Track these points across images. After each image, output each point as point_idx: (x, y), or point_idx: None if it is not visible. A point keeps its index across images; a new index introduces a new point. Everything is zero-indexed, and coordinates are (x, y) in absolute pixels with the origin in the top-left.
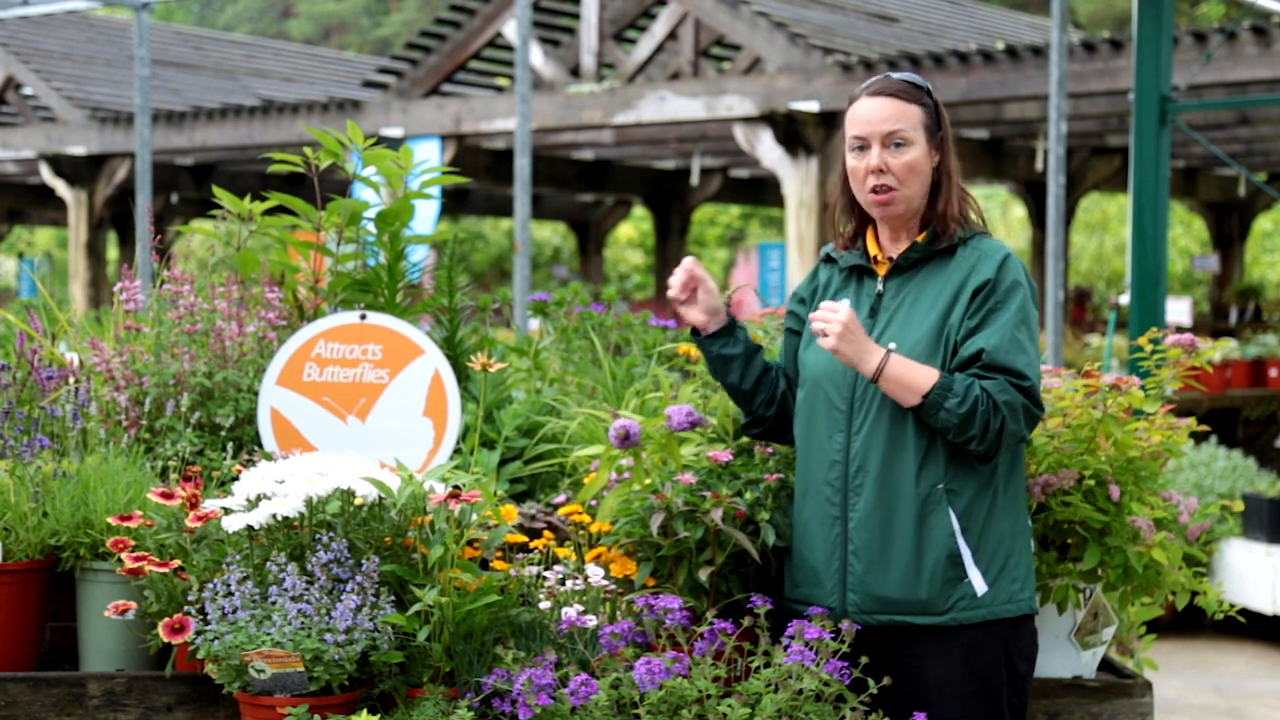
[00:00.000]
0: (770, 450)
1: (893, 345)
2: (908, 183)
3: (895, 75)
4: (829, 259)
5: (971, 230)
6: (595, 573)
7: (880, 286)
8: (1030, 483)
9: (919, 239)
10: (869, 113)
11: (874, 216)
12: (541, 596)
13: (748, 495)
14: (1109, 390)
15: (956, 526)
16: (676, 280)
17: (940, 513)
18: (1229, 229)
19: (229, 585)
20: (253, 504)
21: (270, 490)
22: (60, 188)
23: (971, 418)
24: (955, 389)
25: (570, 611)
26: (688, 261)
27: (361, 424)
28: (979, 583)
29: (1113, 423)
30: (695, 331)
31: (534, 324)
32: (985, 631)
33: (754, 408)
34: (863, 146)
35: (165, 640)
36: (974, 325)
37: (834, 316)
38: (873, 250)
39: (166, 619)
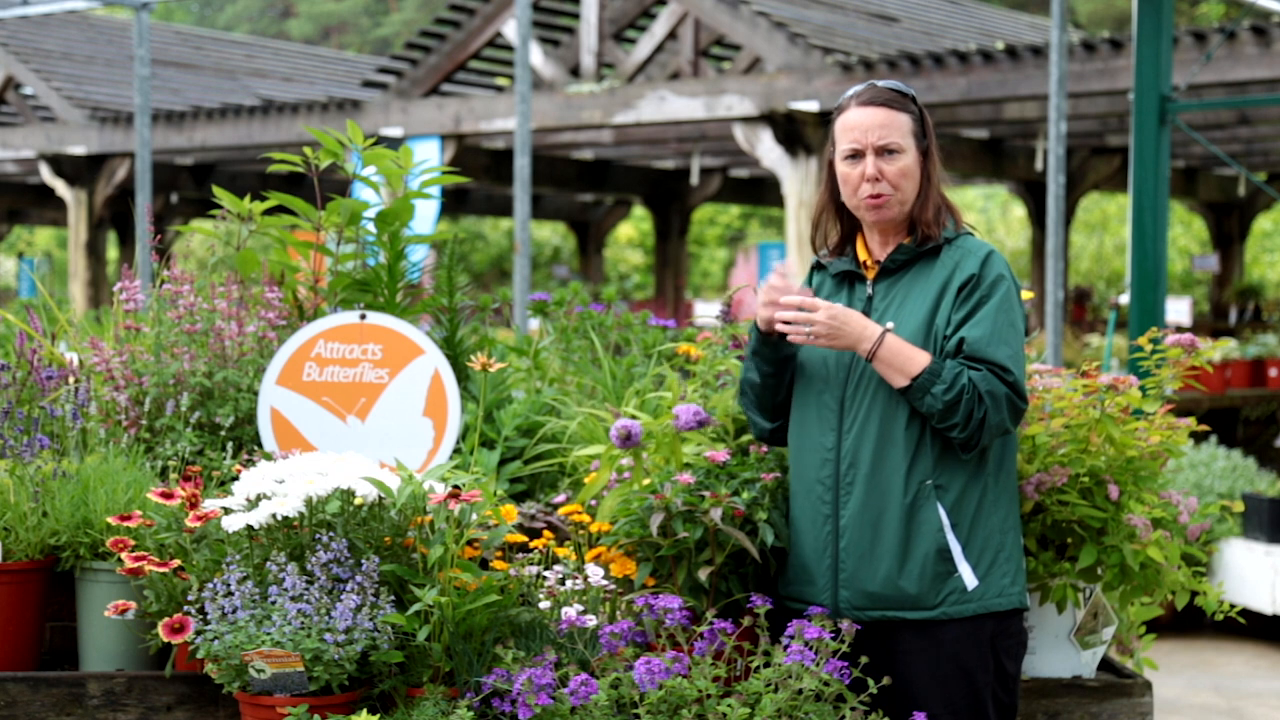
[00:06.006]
0: (765, 450)
1: (890, 325)
2: (901, 188)
3: (881, 84)
4: (819, 265)
5: (956, 231)
6: (595, 572)
7: (870, 290)
8: (1024, 483)
9: (905, 241)
10: (861, 122)
11: (866, 221)
12: (541, 596)
13: (745, 495)
14: (1107, 390)
15: (946, 521)
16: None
17: (929, 508)
18: (1229, 229)
19: (229, 585)
20: (253, 504)
21: (270, 490)
22: (60, 188)
23: (956, 405)
24: (944, 376)
25: (570, 611)
26: (777, 277)
27: (361, 424)
28: (969, 577)
29: (1111, 422)
30: (765, 338)
31: (534, 324)
32: (973, 627)
33: (775, 418)
34: (856, 155)
35: (165, 640)
36: (960, 318)
37: (816, 317)
38: (862, 255)
39: (166, 619)
